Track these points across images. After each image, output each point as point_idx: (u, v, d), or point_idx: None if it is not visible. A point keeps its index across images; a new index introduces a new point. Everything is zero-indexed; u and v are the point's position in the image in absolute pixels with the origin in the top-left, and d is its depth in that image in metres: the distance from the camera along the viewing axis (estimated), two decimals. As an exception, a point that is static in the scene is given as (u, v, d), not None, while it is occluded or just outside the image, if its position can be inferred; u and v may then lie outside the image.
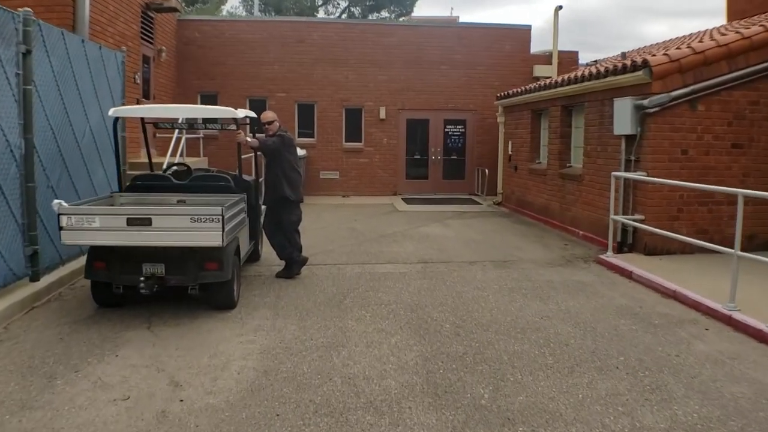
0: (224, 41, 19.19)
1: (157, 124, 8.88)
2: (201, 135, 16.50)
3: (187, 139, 14.97)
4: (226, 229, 6.40)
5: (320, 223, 13.87)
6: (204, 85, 19.14)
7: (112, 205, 7.85)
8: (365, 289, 8.25)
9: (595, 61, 20.58)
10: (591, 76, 12.07)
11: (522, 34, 20.39)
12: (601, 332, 6.67)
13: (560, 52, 20.16)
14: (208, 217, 6.30)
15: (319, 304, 7.52)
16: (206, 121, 8.93)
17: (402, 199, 19.02)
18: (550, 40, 20.24)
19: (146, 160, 14.66)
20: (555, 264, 10.19)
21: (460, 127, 20.30)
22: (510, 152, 17.38)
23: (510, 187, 17.42)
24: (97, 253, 6.83)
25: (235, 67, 19.21)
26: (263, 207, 8.83)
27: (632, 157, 10.65)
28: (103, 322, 6.78)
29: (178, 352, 5.90)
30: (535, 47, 20.82)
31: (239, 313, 7.12)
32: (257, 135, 9.02)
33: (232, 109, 7.62)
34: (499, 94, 17.92)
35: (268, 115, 8.44)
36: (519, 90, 16.44)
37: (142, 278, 6.58)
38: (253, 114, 8.93)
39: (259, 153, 8.88)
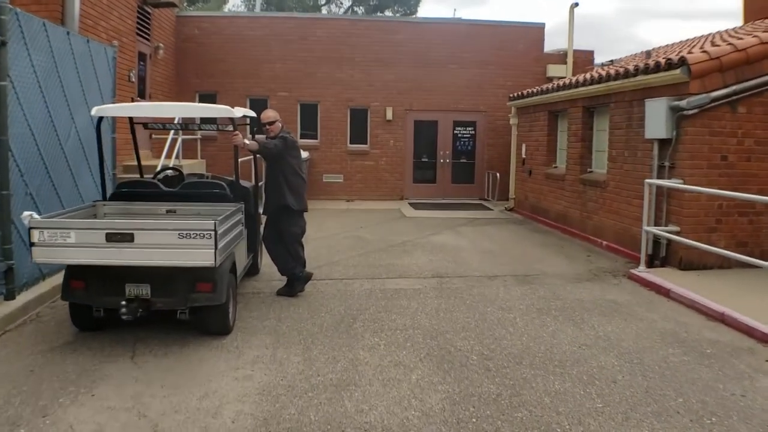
0: (224, 38, 18.37)
1: (147, 124, 8.00)
2: (198, 136, 15.66)
3: (183, 140, 14.13)
4: (219, 246, 5.56)
5: (324, 230, 13.02)
6: (203, 84, 18.30)
7: (95, 216, 7.01)
8: (377, 310, 7.40)
9: (611, 61, 19.79)
10: (618, 76, 11.22)
11: (535, 32, 19.56)
12: (650, 365, 5.84)
13: (575, 52, 19.28)
14: (198, 232, 5.45)
15: (326, 329, 6.66)
16: (201, 121, 8.09)
17: (409, 204, 18.18)
18: (556, 40, 19.44)
19: (143, 163, 13.88)
20: (582, 279, 9.35)
21: (469, 129, 19.46)
22: (523, 156, 16.53)
23: (523, 192, 16.57)
24: (74, 272, 5.99)
25: (236, 65, 18.38)
26: (263, 216, 7.98)
27: (666, 163, 9.79)
28: (82, 350, 5.96)
29: (163, 390, 5.06)
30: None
31: (235, 339, 6.27)
32: (257, 137, 8.19)
33: (229, 108, 6.77)
34: (512, 95, 17.07)
35: (270, 114, 7.60)
36: (535, 90, 15.59)
37: (123, 302, 5.72)
38: (252, 113, 8.08)
39: (258, 156, 8.00)
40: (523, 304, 7.82)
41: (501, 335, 6.59)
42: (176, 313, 5.97)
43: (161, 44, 16.07)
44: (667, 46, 16.33)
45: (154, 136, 15.10)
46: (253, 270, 8.60)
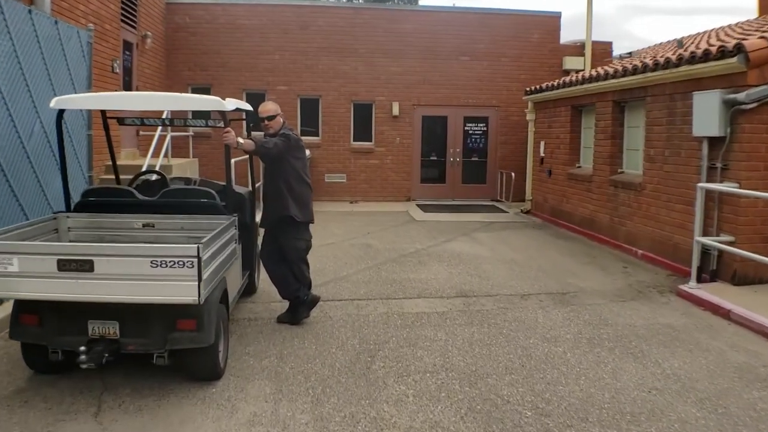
0: (218, 27, 17.09)
1: (122, 119, 6.69)
2: (190, 133, 14.39)
3: (173, 137, 12.87)
4: (205, 276, 4.32)
5: (327, 237, 11.77)
6: (195, 77, 17.03)
7: (56, 231, 5.75)
8: (398, 343, 6.17)
9: (629, 53, 18.66)
10: (658, 66, 10.00)
11: (550, 21, 18.35)
12: (739, 415, 4.73)
13: (593, 43, 18.04)
14: (177, 259, 4.20)
15: (339, 371, 5.43)
16: (191, 115, 6.76)
17: (417, 205, 16.94)
18: (567, 32, 18.19)
19: (129, 162, 12.63)
20: (625, 296, 8.18)
21: (481, 125, 18.22)
22: (542, 154, 15.29)
23: (542, 193, 15.33)
24: (25, 304, 4.74)
25: (231, 57, 17.11)
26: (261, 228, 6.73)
27: (718, 164, 8.60)
28: (36, 401, 4.74)
29: (130, 470, 3.81)
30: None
31: (227, 388, 5.02)
32: (253, 134, 6.95)
33: (218, 99, 5.52)
34: (529, 89, 15.83)
35: (269, 107, 6.35)
36: (556, 83, 14.35)
37: (83, 347, 4.47)
38: (248, 106, 6.82)
39: (256, 158, 6.73)
40: (569, 333, 6.61)
41: (554, 378, 5.36)
42: (152, 356, 4.71)
43: (149, 33, 14.78)
44: (689, 37, 15.05)
45: (141, 132, 13.84)
46: (249, 289, 7.37)
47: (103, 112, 6.66)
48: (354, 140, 17.84)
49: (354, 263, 9.72)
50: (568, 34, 18.77)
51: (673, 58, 9.70)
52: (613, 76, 11.64)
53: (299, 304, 6.51)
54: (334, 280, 8.58)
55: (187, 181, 7.02)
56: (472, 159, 18.35)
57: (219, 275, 4.95)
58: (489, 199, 18.19)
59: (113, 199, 5.94)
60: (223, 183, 6.55)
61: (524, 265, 9.95)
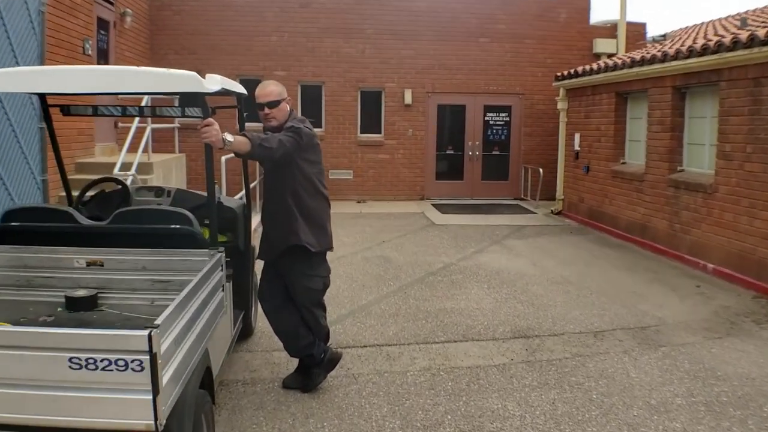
0: (208, 5, 15.15)
1: (67, 108, 4.73)
2: (176, 124, 12.52)
3: (155, 129, 11.03)
4: (166, 381, 2.46)
5: (336, 247, 9.84)
6: (183, 61, 15.04)
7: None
8: (457, 425, 4.35)
9: (663, 35, 16.84)
10: (737, 44, 8.25)
11: (579, 0, 16.41)
12: None
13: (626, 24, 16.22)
14: (112, 357, 2.35)
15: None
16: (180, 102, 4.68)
17: (433, 205, 15.09)
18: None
19: (105, 159, 10.61)
20: (718, 330, 6.49)
21: (503, 114, 16.31)
22: (576, 148, 13.45)
23: (577, 192, 13.50)
24: None
25: (222, 38, 15.17)
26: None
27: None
28: None
29: None
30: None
31: None
32: (245, 130, 5.05)
33: (194, 76, 3.65)
34: (560, 74, 13.96)
35: (270, 89, 4.42)
36: (596, 67, 12.51)
37: None
38: (239, 88, 4.90)
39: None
40: (678, 395, 4.88)
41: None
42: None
43: (129, 10, 12.87)
44: (749, 12, 13.16)
45: (121, 124, 11.97)
46: (244, 331, 5.54)
47: (41, 97, 4.74)
48: (361, 132, 15.93)
49: (373, 285, 7.89)
50: (594, 15, 16.88)
51: (761, 34, 7.90)
52: (675, 58, 9.81)
53: (314, 366, 4.65)
54: (352, 312, 6.76)
55: (159, 191, 5.13)
56: (493, 153, 16.45)
57: (196, 355, 3.12)
58: (512, 197, 16.34)
59: (46, 225, 4.06)
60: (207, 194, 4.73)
61: (579, 285, 8.16)
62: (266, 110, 4.36)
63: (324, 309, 4.71)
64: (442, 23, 15.72)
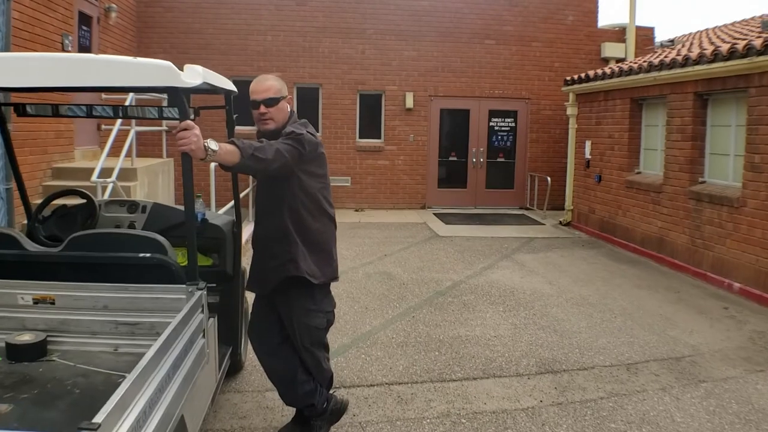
0: (200, 2, 14.39)
1: (22, 107, 3.92)
2: (164, 127, 11.75)
3: (139, 131, 10.27)
4: None
5: (337, 262, 9.14)
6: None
7: None
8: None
9: (671, 40, 16.24)
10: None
11: (587, 2, 15.75)
12: None
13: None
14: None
15: None
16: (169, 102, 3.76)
17: (435, 215, 14.35)
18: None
19: (86, 165, 9.71)
20: (758, 361, 5.82)
21: (509, 120, 15.58)
22: (587, 156, 12.74)
23: (587, 202, 12.78)
24: None
25: (215, 37, 14.41)
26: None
27: None
28: None
29: None
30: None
31: None
32: (234, 136, 4.26)
33: (170, 67, 2.90)
34: (570, 78, 13.25)
35: (269, 84, 3.65)
36: (609, 71, 11.81)
37: None
38: (228, 83, 4.14)
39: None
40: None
41: None
42: None
43: (114, 5, 12.08)
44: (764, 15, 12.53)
45: (104, 126, 11.19)
46: (233, 367, 4.78)
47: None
48: (360, 137, 15.17)
49: (377, 307, 7.14)
50: (601, 19, 16.23)
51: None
52: (697, 62, 9.12)
53: (315, 416, 3.88)
54: (355, 341, 6.00)
55: (132, 206, 4.34)
56: (498, 160, 15.72)
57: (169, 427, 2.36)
58: (517, 207, 15.61)
59: None
60: (207, 210, 4.00)
61: (601, 307, 7.44)
62: (262, 109, 3.59)
63: (327, 349, 3.94)
64: (446, 24, 15.00)
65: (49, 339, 3.19)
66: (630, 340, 6.30)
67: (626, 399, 4.93)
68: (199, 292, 3.04)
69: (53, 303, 3.18)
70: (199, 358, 2.90)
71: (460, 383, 5.10)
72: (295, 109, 13.54)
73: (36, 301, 3.18)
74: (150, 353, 2.30)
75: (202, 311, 3.05)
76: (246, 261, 4.22)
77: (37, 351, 3.10)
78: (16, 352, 3.07)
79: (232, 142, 3.18)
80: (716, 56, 8.71)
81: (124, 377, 2.88)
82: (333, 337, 5.49)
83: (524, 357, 5.73)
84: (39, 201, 4.31)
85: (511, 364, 5.56)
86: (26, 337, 3.12)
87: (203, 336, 3.04)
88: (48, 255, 3.26)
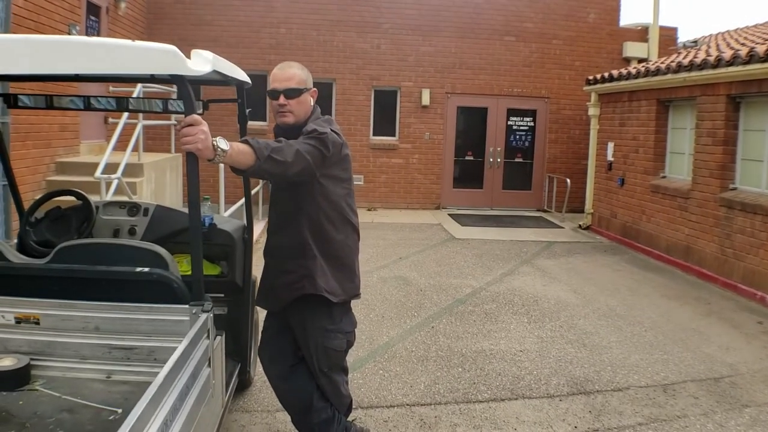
0: (213, -6, 14.03)
1: (13, 98, 3.53)
2: (173, 120, 11.38)
3: (148, 126, 9.90)
4: None
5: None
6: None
7: None
8: None
9: (695, 41, 15.81)
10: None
11: (609, 0, 15.26)
12: None
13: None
14: None
15: None
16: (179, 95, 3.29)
17: (450, 216, 13.93)
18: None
19: (92, 159, 9.25)
20: None
21: (528, 119, 15.13)
22: (609, 158, 12.30)
23: (609, 206, 12.35)
24: None
25: (226, 30, 14.03)
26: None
27: None
28: None
29: None
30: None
31: None
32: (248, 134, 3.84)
33: (173, 50, 2.52)
34: (592, 77, 12.80)
35: (292, 72, 3.25)
36: (635, 71, 11.37)
37: None
38: (243, 75, 3.76)
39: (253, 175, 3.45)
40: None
41: None
42: None
43: (124, -5, 11.74)
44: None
45: (111, 119, 10.82)
46: (241, 384, 4.40)
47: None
48: (374, 134, 14.76)
49: (394, 317, 6.75)
50: (622, 18, 15.77)
51: None
52: (730, 63, 8.68)
53: (332, 446, 3.49)
54: (372, 354, 5.61)
55: (133, 208, 3.94)
56: (516, 160, 15.27)
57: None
58: (535, 209, 15.17)
59: None
60: (215, 214, 3.62)
61: (630, 319, 7.03)
62: (282, 99, 3.18)
63: (346, 373, 3.55)
64: (465, 19, 14.56)
65: (32, 363, 2.80)
66: (664, 357, 5.89)
67: (667, 425, 4.53)
68: (205, 315, 2.64)
69: (38, 323, 2.79)
70: (203, 391, 2.51)
71: (487, 405, 4.70)
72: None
73: (18, 321, 2.79)
74: (148, 395, 1.91)
75: (208, 336, 2.65)
76: (257, 270, 3.84)
77: (19, 378, 2.71)
78: None
79: (246, 142, 2.78)
80: (752, 57, 8.27)
81: (115, 413, 2.50)
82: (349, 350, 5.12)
83: (554, 375, 5.32)
84: (38, 199, 3.91)
85: (540, 383, 5.15)
86: (6, 362, 2.72)
87: (209, 365, 2.64)
88: (32, 268, 2.86)
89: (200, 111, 2.73)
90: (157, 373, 2.07)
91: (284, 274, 3.22)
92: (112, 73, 2.68)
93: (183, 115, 2.62)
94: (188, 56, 2.71)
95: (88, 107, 3.31)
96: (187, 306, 2.70)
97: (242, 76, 3.59)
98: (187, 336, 2.39)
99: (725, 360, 5.90)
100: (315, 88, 3.32)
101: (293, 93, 3.16)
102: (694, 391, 5.17)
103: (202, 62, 2.64)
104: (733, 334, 6.72)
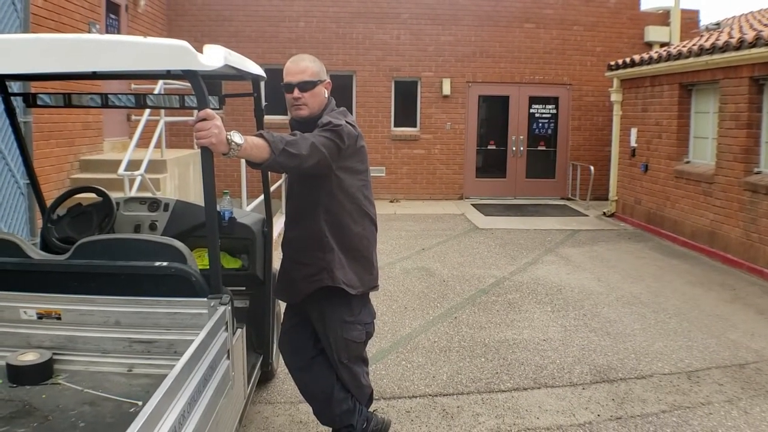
0: (232, -11, 14.08)
1: (33, 97, 3.60)
2: (195, 116, 11.43)
3: (171, 122, 9.99)
4: None
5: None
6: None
7: None
8: None
9: (717, 24, 15.57)
10: None
11: (630, -18, 15.08)
12: None
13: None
14: None
15: None
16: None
17: (473, 205, 13.90)
18: None
19: (114, 157, 9.44)
20: None
21: (550, 107, 15.01)
22: (633, 144, 12.17)
23: (633, 193, 12.23)
24: None
25: (246, 25, 14.10)
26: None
27: None
28: None
29: None
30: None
31: None
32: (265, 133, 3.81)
33: (184, 46, 2.54)
34: (614, 63, 12.66)
35: (305, 65, 3.23)
36: (656, 55, 11.23)
37: None
38: (257, 69, 3.80)
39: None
40: None
41: None
42: None
43: (144, -8, 11.83)
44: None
45: (134, 117, 10.94)
46: (264, 376, 4.43)
47: (2, 85, 3.62)
48: (395, 125, 14.76)
49: (417, 307, 6.76)
50: (644, 0, 15.57)
51: None
52: (753, 45, 8.53)
53: (353, 437, 3.51)
54: (394, 345, 5.63)
55: (153, 204, 4.00)
56: (539, 148, 15.17)
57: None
58: (559, 197, 15.07)
59: None
60: (233, 213, 3.65)
61: (654, 306, 6.97)
62: (296, 93, 3.19)
63: (366, 363, 3.57)
64: (484, 7, 14.47)
65: (55, 358, 2.86)
66: (688, 344, 5.84)
67: (690, 413, 4.49)
68: (223, 308, 2.67)
69: (59, 318, 2.85)
70: (222, 383, 2.54)
71: (510, 394, 4.70)
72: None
73: (40, 316, 2.85)
74: (164, 386, 1.94)
75: (227, 329, 2.68)
76: (277, 263, 3.87)
77: (41, 372, 2.77)
78: (17, 374, 2.74)
79: (260, 135, 2.80)
80: (776, 37, 8.14)
81: (136, 405, 2.55)
82: (371, 341, 5.12)
83: (577, 363, 5.30)
84: (59, 196, 3.98)
85: (563, 371, 5.14)
86: (30, 357, 2.79)
87: (228, 357, 2.67)
88: (53, 264, 2.91)
89: (216, 107, 2.76)
90: (178, 365, 2.11)
91: (302, 267, 3.24)
92: (126, 70, 2.71)
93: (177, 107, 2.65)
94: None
95: (106, 105, 3.36)
96: (205, 299, 2.73)
97: (256, 70, 3.61)
98: (204, 328, 2.42)
99: (750, 346, 5.83)
100: (328, 80, 3.31)
101: (307, 86, 3.17)
102: (719, 377, 5.12)
103: (213, 57, 2.66)
104: (758, 320, 6.64)
